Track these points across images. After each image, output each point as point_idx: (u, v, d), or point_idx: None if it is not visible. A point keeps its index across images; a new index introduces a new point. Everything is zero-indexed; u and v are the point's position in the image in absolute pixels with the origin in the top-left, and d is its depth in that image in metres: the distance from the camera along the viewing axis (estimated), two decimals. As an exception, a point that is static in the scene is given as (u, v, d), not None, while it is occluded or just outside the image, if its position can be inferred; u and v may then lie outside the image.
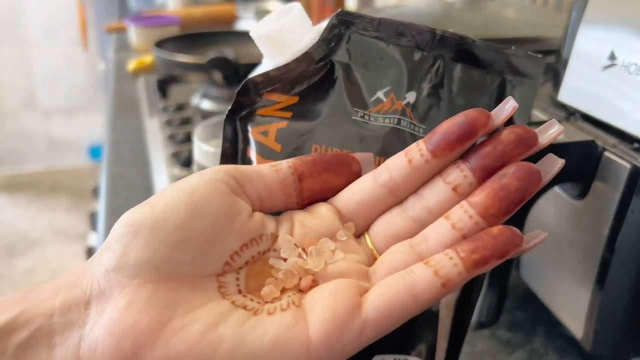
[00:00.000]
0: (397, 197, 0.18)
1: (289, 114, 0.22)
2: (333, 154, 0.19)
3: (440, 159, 0.17)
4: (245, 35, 0.90)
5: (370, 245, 0.17)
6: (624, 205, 0.25)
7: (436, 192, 0.17)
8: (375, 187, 0.18)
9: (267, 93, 0.22)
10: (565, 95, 0.32)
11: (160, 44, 0.72)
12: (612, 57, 0.29)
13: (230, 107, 0.22)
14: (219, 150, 0.29)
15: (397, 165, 0.18)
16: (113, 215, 0.48)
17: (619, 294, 0.27)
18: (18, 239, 1.74)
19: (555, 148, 0.27)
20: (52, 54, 2.08)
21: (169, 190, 0.17)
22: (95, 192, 0.75)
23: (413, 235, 0.17)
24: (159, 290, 0.15)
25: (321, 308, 0.15)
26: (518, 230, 0.16)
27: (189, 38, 0.77)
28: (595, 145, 0.27)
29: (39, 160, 2.19)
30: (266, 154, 0.21)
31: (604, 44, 0.29)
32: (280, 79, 0.22)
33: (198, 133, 0.29)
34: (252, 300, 0.15)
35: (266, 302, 0.15)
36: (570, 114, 0.31)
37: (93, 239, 0.77)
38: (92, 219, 0.73)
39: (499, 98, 0.23)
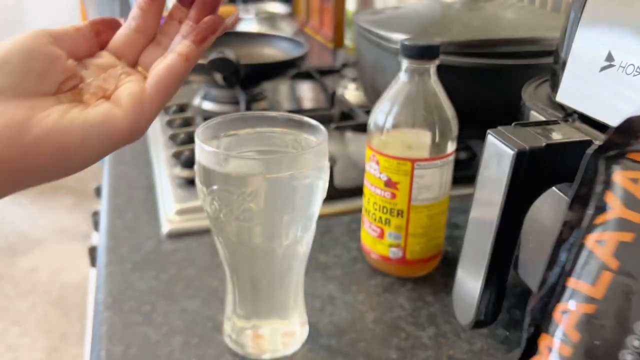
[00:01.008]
0: (148, 36, 0.27)
1: None
2: (109, 18, 0.27)
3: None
4: (245, 37, 0.90)
5: (140, 69, 0.27)
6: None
7: (172, 27, 0.28)
8: (130, 32, 0.27)
9: None
10: (563, 95, 0.32)
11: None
12: (610, 58, 0.29)
13: (597, 145, 0.20)
14: (219, 151, 0.29)
15: (138, 14, 0.27)
16: (115, 214, 0.48)
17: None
18: (20, 239, 1.74)
19: (554, 148, 0.27)
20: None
21: (3, 43, 0.23)
22: (97, 192, 0.76)
23: (161, 51, 0.27)
24: (20, 101, 0.23)
25: (126, 96, 0.25)
26: (220, 16, 0.28)
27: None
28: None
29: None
30: (632, 204, 0.19)
31: (601, 45, 0.29)
32: None
33: (199, 133, 0.30)
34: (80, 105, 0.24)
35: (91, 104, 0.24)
36: (568, 114, 0.31)
37: (96, 238, 0.78)
38: (95, 218, 0.73)
39: None
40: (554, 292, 0.22)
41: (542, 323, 0.22)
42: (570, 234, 0.22)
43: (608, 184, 0.20)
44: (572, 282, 0.21)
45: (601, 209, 0.20)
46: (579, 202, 0.21)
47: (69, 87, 0.25)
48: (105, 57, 0.26)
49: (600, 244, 0.20)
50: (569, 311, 0.20)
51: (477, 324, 0.31)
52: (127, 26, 0.27)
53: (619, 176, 0.20)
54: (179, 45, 0.26)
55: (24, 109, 0.22)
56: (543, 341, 0.21)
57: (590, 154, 0.20)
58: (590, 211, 0.21)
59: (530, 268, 0.35)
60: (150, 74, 0.26)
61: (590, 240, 0.21)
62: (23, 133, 0.22)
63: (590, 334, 0.20)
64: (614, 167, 0.20)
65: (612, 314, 0.19)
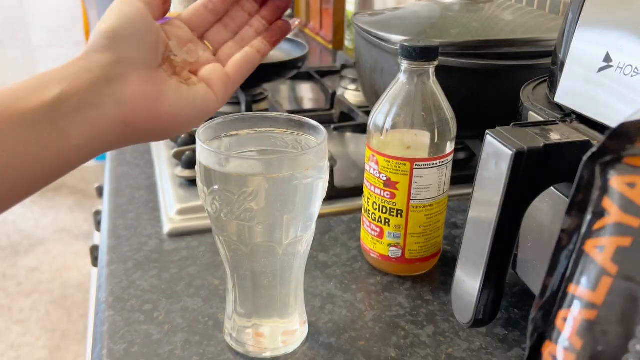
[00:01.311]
0: (215, 14, 0.31)
1: None
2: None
3: None
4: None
5: (207, 44, 0.31)
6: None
7: (237, 14, 0.32)
8: (204, 9, 0.31)
9: None
10: (562, 96, 0.32)
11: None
12: (608, 59, 0.29)
13: (593, 150, 0.20)
14: (220, 151, 0.29)
15: None
16: (116, 214, 0.49)
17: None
18: (22, 238, 1.75)
19: (552, 148, 0.28)
20: (57, 56, 2.09)
21: (118, 17, 0.26)
22: (99, 191, 0.76)
23: (230, 38, 0.32)
24: (149, 73, 0.27)
25: (217, 81, 0.29)
26: (288, 22, 0.32)
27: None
28: (590, 146, 0.28)
29: (43, 161, 2.19)
30: (628, 208, 0.19)
31: (599, 46, 0.29)
32: None
33: (200, 134, 0.30)
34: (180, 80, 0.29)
35: (186, 80, 0.29)
36: (566, 115, 0.31)
37: (97, 238, 0.78)
38: (96, 218, 0.74)
39: None
40: (556, 299, 0.22)
41: (545, 330, 0.22)
42: (570, 240, 0.22)
43: (605, 190, 0.20)
44: (572, 289, 0.21)
45: (599, 214, 0.20)
46: (577, 208, 0.21)
47: (165, 57, 0.28)
48: (182, 28, 0.30)
49: (599, 250, 0.20)
50: (571, 318, 0.20)
51: (476, 322, 0.31)
52: (203, 3, 0.31)
53: (616, 181, 0.20)
54: (257, 42, 0.31)
55: (152, 82, 0.26)
56: (546, 349, 0.21)
57: (586, 159, 0.20)
58: (588, 217, 0.21)
59: (529, 267, 0.35)
60: (231, 63, 0.30)
61: (589, 246, 0.21)
62: (156, 105, 0.26)
63: (593, 340, 0.20)
64: (611, 173, 0.20)
65: (613, 319, 0.19)
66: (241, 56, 0.31)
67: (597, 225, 0.21)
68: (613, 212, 0.19)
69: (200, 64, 0.30)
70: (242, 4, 0.32)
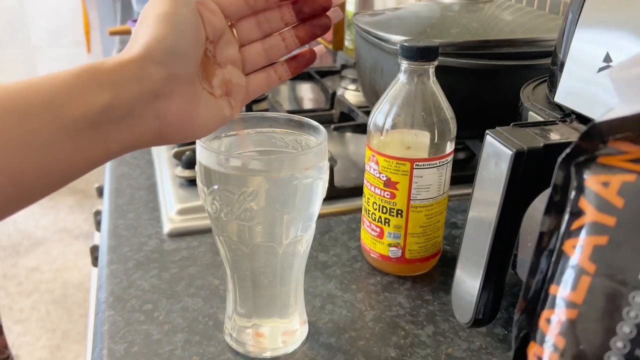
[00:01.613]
0: (252, 8, 0.30)
1: (639, 167, 0.19)
2: None
3: None
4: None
5: (235, 36, 0.30)
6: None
7: (274, 18, 0.30)
8: (242, 1, 0.29)
9: (614, 141, 0.20)
10: (561, 96, 0.32)
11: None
12: (608, 59, 0.29)
13: (567, 151, 0.20)
14: (220, 151, 0.29)
15: None
16: (117, 214, 0.49)
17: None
18: (23, 238, 1.75)
19: (551, 148, 0.28)
20: (56, 56, 2.09)
21: (180, 30, 0.26)
22: (99, 191, 0.76)
23: (259, 38, 0.31)
24: (189, 91, 0.26)
25: (238, 100, 0.30)
26: (314, 52, 0.32)
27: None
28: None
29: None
30: (604, 207, 0.19)
31: (599, 46, 0.29)
32: (633, 127, 0.19)
33: (200, 134, 0.30)
34: (211, 91, 0.28)
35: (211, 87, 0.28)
36: (566, 115, 0.31)
37: (97, 238, 0.78)
38: (97, 218, 0.74)
39: None
40: (538, 300, 0.22)
41: (530, 331, 0.22)
42: (550, 241, 0.22)
43: (581, 190, 0.20)
44: (554, 289, 0.21)
45: (576, 214, 0.20)
46: (555, 208, 0.21)
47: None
48: (217, 15, 0.28)
49: (577, 249, 0.20)
50: (553, 319, 0.21)
51: (476, 322, 0.31)
52: None
53: (590, 181, 0.20)
54: (281, 69, 0.31)
55: (192, 99, 0.26)
56: (531, 350, 0.21)
57: (561, 160, 0.20)
58: (566, 217, 0.21)
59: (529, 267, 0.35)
60: (254, 83, 0.30)
61: (568, 245, 0.21)
62: (191, 121, 0.26)
63: (575, 340, 0.20)
64: (585, 172, 0.20)
65: (594, 318, 0.19)
66: (264, 78, 0.30)
67: (574, 225, 0.21)
68: (589, 212, 0.20)
69: (226, 62, 0.29)
70: (283, 12, 0.30)
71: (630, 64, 0.21)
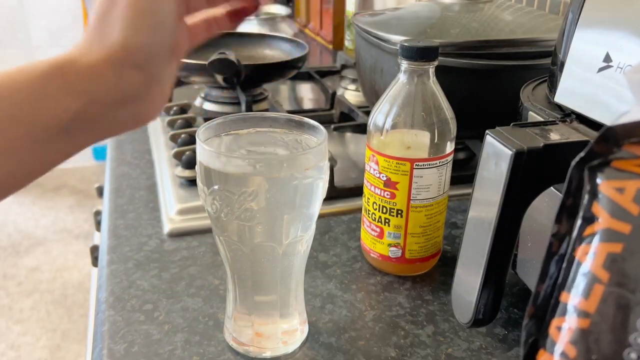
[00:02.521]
0: None
1: None
2: None
3: None
4: (246, 38, 0.90)
5: None
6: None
7: None
8: None
9: (629, 144, 0.19)
10: (562, 96, 0.32)
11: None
12: (608, 59, 0.29)
13: (581, 155, 0.20)
14: (220, 151, 0.29)
15: None
16: (117, 214, 0.49)
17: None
18: (23, 238, 1.75)
19: (552, 148, 0.28)
20: (56, 55, 2.09)
21: (157, 28, 0.24)
22: (99, 191, 0.76)
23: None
24: (166, 84, 0.25)
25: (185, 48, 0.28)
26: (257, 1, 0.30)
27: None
28: (589, 146, 0.28)
29: (43, 161, 2.20)
30: (618, 213, 0.19)
31: (599, 46, 0.29)
32: None
33: (200, 134, 0.30)
34: None
35: None
36: (566, 115, 0.31)
37: (97, 238, 0.78)
38: (96, 218, 0.74)
39: None
40: (548, 306, 0.21)
41: (539, 338, 0.22)
42: (560, 246, 0.22)
43: (595, 195, 0.20)
44: (565, 297, 0.21)
45: (589, 220, 0.20)
46: (567, 213, 0.20)
47: None
48: None
49: (590, 256, 0.20)
50: (564, 327, 0.20)
51: (476, 322, 0.31)
52: None
53: (605, 186, 0.19)
54: (222, 19, 0.29)
55: (167, 88, 0.26)
56: (541, 357, 0.21)
57: (575, 164, 0.20)
58: (578, 222, 0.21)
59: (529, 267, 0.35)
60: (192, 32, 0.28)
61: (580, 252, 0.20)
62: (159, 109, 0.25)
63: (586, 349, 0.19)
64: (599, 177, 0.20)
65: (607, 328, 0.19)
66: (204, 27, 0.29)
67: (587, 231, 0.20)
68: (603, 218, 0.19)
69: None
70: None
71: None
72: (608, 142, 0.20)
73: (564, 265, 0.21)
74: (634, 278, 0.19)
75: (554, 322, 0.21)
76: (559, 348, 0.20)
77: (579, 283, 0.20)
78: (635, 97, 0.20)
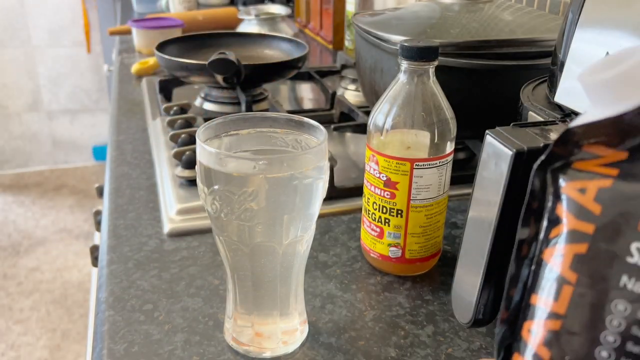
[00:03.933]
0: None
1: (614, 172, 0.19)
2: None
3: None
4: (246, 38, 0.91)
5: None
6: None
7: None
8: None
9: (588, 145, 0.19)
10: (561, 96, 0.32)
11: (163, 46, 0.73)
12: (607, 59, 0.29)
13: (542, 158, 0.20)
14: (220, 151, 0.29)
15: None
16: (117, 214, 0.49)
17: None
18: (23, 238, 1.75)
19: (551, 148, 0.28)
20: (57, 56, 2.10)
21: None
22: (99, 191, 0.76)
23: None
24: None
25: None
26: None
27: (192, 40, 0.78)
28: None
29: (44, 161, 2.20)
30: (581, 214, 0.19)
31: (599, 46, 0.29)
32: (607, 130, 0.19)
33: (200, 134, 0.30)
34: None
35: None
36: (566, 115, 0.31)
37: (97, 238, 0.78)
38: (96, 218, 0.74)
39: None
40: (520, 310, 0.21)
41: (512, 342, 0.22)
42: (529, 249, 0.21)
43: (558, 197, 0.20)
44: (535, 299, 0.21)
45: (554, 222, 0.20)
46: (533, 216, 0.20)
47: None
48: None
49: (557, 258, 0.20)
50: (536, 329, 0.20)
51: (476, 322, 0.31)
52: None
53: (567, 188, 0.20)
54: None
55: None
56: None
57: (536, 167, 0.20)
58: (544, 224, 0.21)
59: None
60: None
61: (548, 254, 0.21)
62: None
63: (559, 350, 0.19)
64: (561, 179, 0.20)
65: (578, 328, 0.19)
66: None
67: (553, 233, 0.20)
68: (567, 219, 0.19)
69: None
70: None
71: (600, 67, 0.20)
72: (568, 144, 0.20)
73: (533, 267, 0.21)
74: (601, 277, 0.19)
75: (526, 325, 0.21)
76: (532, 350, 0.20)
77: (549, 285, 0.20)
78: (590, 98, 0.20)
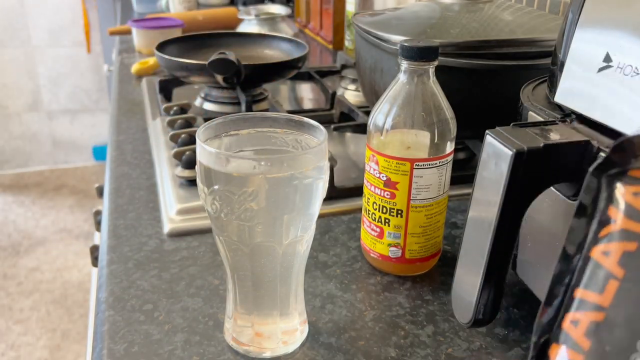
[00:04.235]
0: None
1: None
2: None
3: None
4: (246, 38, 0.91)
5: None
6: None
7: None
8: None
9: None
10: (562, 96, 0.32)
11: (163, 46, 0.73)
12: (608, 59, 0.29)
13: (599, 162, 0.21)
14: (220, 151, 0.29)
15: None
16: (117, 214, 0.49)
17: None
18: (23, 238, 1.75)
19: (552, 148, 0.28)
20: (57, 56, 2.10)
21: None
22: (99, 191, 0.76)
23: None
24: None
25: None
26: None
27: (192, 40, 0.78)
28: (590, 146, 0.28)
29: (44, 161, 2.20)
30: (634, 215, 0.20)
31: (599, 46, 0.29)
32: None
33: (200, 134, 0.30)
34: None
35: None
36: (566, 115, 0.31)
37: (97, 238, 0.78)
38: (96, 218, 0.74)
39: None
40: (562, 305, 0.22)
41: (551, 334, 0.22)
42: (576, 250, 0.22)
43: (610, 199, 0.21)
44: (579, 293, 0.21)
45: (605, 222, 0.21)
46: (583, 218, 0.21)
47: None
48: None
49: (606, 255, 0.21)
50: (578, 320, 0.21)
51: (476, 322, 0.31)
52: None
53: (621, 191, 0.20)
54: None
55: None
56: (553, 351, 0.22)
57: (592, 171, 0.21)
58: (594, 226, 0.22)
59: (529, 267, 0.35)
60: None
61: (596, 252, 0.21)
62: None
63: (600, 341, 0.20)
64: (616, 184, 0.21)
65: (620, 320, 0.20)
66: None
67: (602, 233, 0.21)
68: (618, 220, 0.20)
69: None
70: None
71: None
72: (625, 152, 0.21)
73: (579, 265, 0.22)
74: None
75: (568, 317, 0.22)
76: (572, 340, 0.21)
77: (594, 279, 0.21)
78: None
